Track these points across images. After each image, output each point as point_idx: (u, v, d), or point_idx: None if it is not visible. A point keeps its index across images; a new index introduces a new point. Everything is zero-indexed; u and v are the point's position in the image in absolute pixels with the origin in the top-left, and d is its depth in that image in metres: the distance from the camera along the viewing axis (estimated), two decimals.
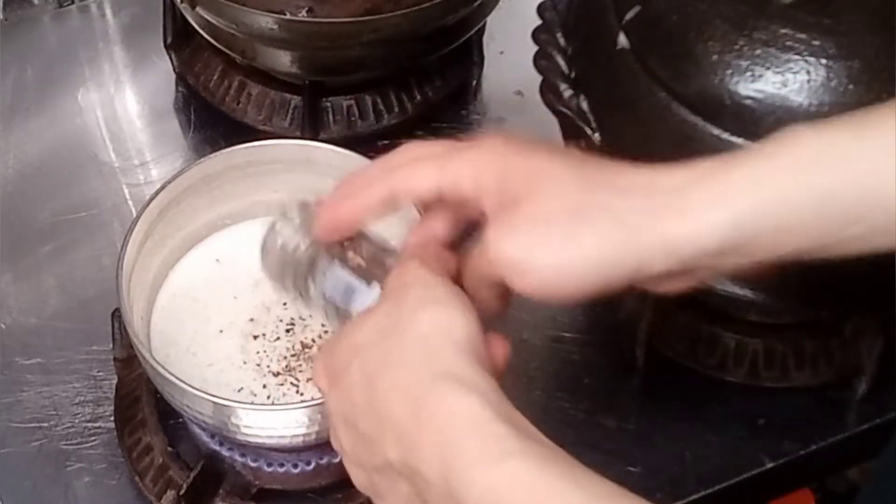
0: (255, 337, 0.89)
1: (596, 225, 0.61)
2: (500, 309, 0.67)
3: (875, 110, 0.61)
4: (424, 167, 0.67)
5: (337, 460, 0.88)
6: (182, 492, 0.86)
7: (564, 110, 0.87)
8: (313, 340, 0.89)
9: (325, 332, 0.89)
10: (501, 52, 1.16)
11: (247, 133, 1.07)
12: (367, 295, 0.70)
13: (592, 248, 0.62)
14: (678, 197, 0.61)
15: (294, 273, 0.72)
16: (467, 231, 0.70)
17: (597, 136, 0.88)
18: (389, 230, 0.91)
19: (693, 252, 0.61)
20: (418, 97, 1.11)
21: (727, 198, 0.61)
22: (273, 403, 0.85)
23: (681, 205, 0.61)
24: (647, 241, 0.61)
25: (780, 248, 0.63)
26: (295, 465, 0.88)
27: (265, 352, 0.88)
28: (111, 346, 0.93)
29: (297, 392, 0.86)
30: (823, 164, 0.60)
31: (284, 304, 0.90)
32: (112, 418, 0.93)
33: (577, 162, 0.65)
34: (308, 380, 0.87)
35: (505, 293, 0.67)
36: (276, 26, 1.01)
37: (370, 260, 0.71)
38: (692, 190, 0.61)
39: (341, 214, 0.70)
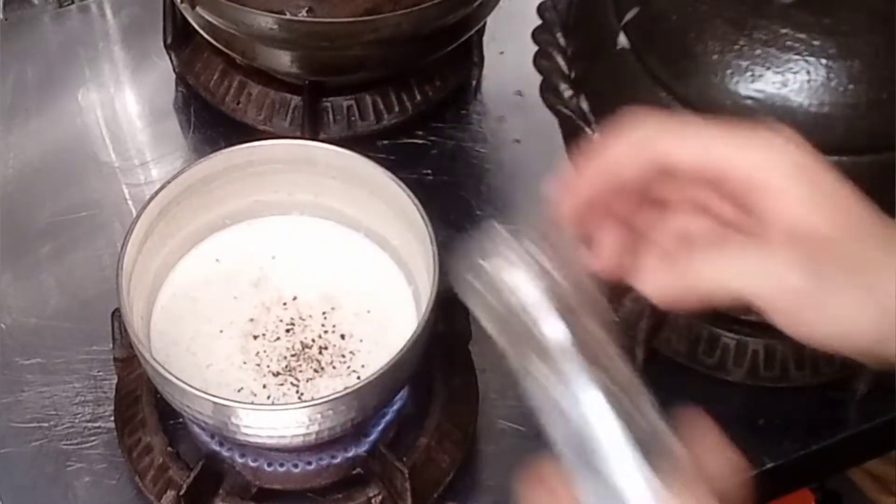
0: (255, 337, 0.89)
1: (833, 298, 0.56)
2: None
3: None
4: (701, 137, 0.58)
5: (337, 460, 0.88)
6: (182, 492, 0.86)
7: (564, 110, 0.87)
8: (313, 340, 0.89)
9: (325, 331, 0.89)
10: (501, 52, 1.16)
11: (247, 133, 1.07)
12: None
13: (823, 322, 0.56)
14: None
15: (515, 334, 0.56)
16: None
17: (597, 136, 0.88)
18: (387, 224, 0.91)
19: None
20: (418, 97, 1.11)
21: None
22: (273, 403, 0.85)
23: None
24: (870, 338, 0.56)
25: None
26: (295, 465, 0.88)
27: (265, 352, 0.88)
28: (111, 346, 0.93)
29: (297, 392, 0.86)
30: None
31: (284, 303, 0.90)
32: (112, 418, 0.93)
33: (835, 200, 0.57)
34: (308, 380, 0.87)
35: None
36: (276, 26, 1.01)
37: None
38: None
39: (590, 181, 0.61)
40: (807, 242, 0.55)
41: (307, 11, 1.01)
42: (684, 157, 0.58)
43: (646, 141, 0.59)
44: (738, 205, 0.58)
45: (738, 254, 0.57)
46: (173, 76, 1.15)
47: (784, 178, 0.56)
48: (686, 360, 0.96)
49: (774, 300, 0.56)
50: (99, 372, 0.96)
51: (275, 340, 0.89)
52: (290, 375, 0.87)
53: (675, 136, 0.58)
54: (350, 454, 0.88)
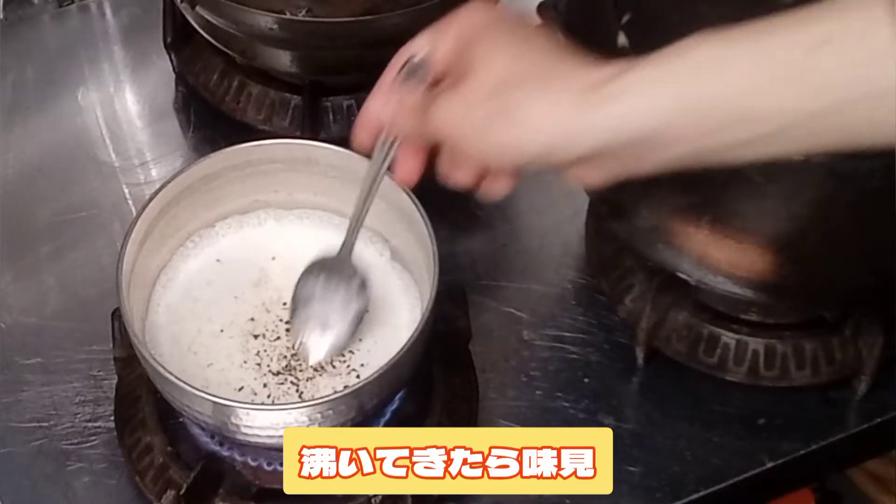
0: (256, 336, 0.89)
1: (518, 108, 0.68)
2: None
3: (776, 22, 0.64)
4: (417, 38, 0.74)
5: None
6: (182, 492, 0.86)
7: None
8: None
9: None
10: None
11: (247, 133, 1.07)
12: None
13: (510, 129, 0.69)
14: (601, 92, 0.66)
15: None
16: None
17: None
18: (387, 224, 0.92)
19: (602, 139, 0.67)
20: None
21: (642, 95, 0.66)
22: (273, 403, 0.85)
23: (609, 95, 0.66)
24: (565, 125, 0.67)
25: (675, 148, 0.66)
26: None
27: (265, 351, 0.88)
28: (111, 346, 0.93)
29: (297, 391, 0.86)
30: (708, 73, 0.64)
31: (284, 303, 0.90)
32: (112, 418, 0.93)
33: (518, 42, 0.71)
34: (308, 379, 0.87)
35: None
36: (276, 26, 1.01)
37: None
38: (617, 85, 0.66)
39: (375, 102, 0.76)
40: (494, 79, 0.69)
41: (307, 11, 1.01)
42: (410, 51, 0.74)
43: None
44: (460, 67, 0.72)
45: (441, 100, 0.71)
46: (173, 76, 1.15)
47: (482, 32, 0.71)
48: (686, 360, 0.96)
49: (458, 128, 0.71)
50: (99, 372, 0.96)
51: (275, 340, 0.89)
52: (291, 375, 0.87)
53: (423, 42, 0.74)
54: None
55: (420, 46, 0.74)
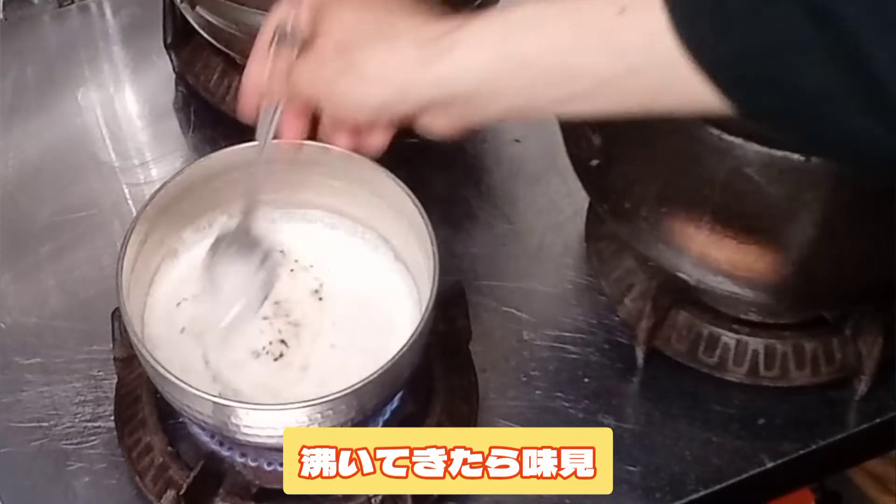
0: (256, 336, 0.89)
1: (360, 63, 0.73)
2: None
3: None
4: (282, 4, 0.78)
5: None
6: (182, 492, 0.86)
7: None
8: (314, 340, 0.89)
9: (326, 330, 0.89)
10: None
11: (247, 133, 1.06)
12: None
13: (353, 83, 0.74)
14: (435, 46, 0.71)
15: None
16: None
17: (597, 136, 0.88)
18: (387, 224, 0.92)
19: (435, 91, 0.72)
20: None
21: (469, 50, 0.70)
22: (273, 403, 0.85)
23: (441, 49, 0.70)
24: (402, 78, 0.72)
25: (504, 102, 0.71)
26: None
27: (266, 350, 0.88)
28: (111, 346, 0.93)
29: (301, 384, 0.86)
30: (526, 31, 0.68)
31: (277, 302, 0.90)
32: (112, 418, 0.93)
33: (364, 2, 0.76)
34: (312, 382, 0.87)
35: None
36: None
37: None
38: (448, 40, 0.70)
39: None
40: (341, 38, 0.75)
41: None
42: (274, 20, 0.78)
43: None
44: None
45: (297, 63, 0.77)
46: (173, 76, 1.15)
47: (324, 4, 0.76)
48: (686, 360, 0.96)
49: (312, 87, 0.76)
50: (99, 372, 0.96)
51: (276, 340, 0.89)
52: (292, 372, 0.87)
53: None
54: None
55: (285, 13, 0.77)
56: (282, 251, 0.89)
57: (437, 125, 0.75)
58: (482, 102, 0.71)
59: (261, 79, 0.79)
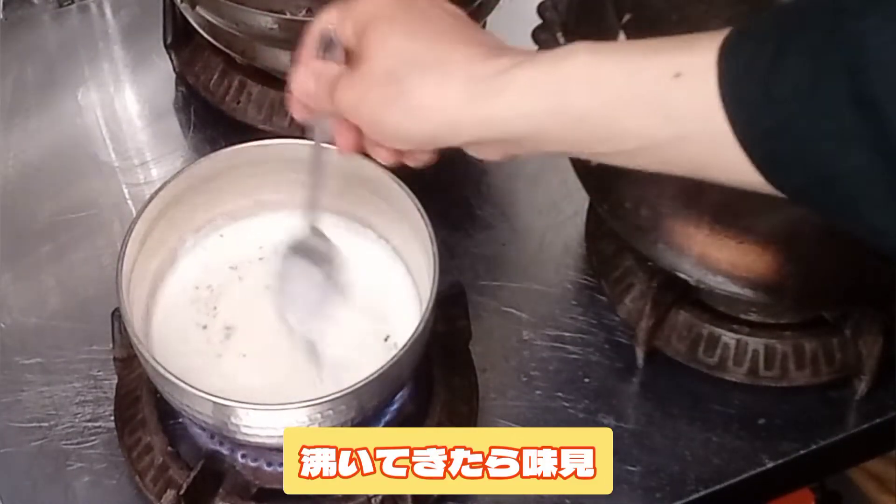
0: (256, 336, 0.89)
1: (408, 94, 0.70)
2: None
3: (646, 44, 0.66)
4: (328, 11, 0.76)
5: None
6: (182, 492, 0.86)
7: None
8: (314, 340, 0.89)
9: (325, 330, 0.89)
10: None
11: (247, 133, 1.07)
12: None
13: (400, 114, 0.70)
14: (487, 86, 0.68)
15: None
16: None
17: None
18: (387, 224, 0.91)
19: (483, 131, 0.69)
20: None
21: (521, 96, 0.67)
22: (273, 403, 0.85)
23: (493, 90, 0.68)
24: (449, 115, 0.69)
25: (553, 147, 0.70)
26: None
27: (266, 351, 0.88)
28: (111, 346, 0.93)
29: (301, 385, 0.86)
30: (578, 85, 0.66)
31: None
32: (112, 418, 0.93)
33: (415, 26, 0.72)
34: (312, 379, 0.87)
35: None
36: (275, 26, 1.01)
37: None
38: (500, 82, 0.68)
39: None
40: (388, 62, 0.71)
41: (307, 11, 1.01)
42: (318, 29, 0.76)
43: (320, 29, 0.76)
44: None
45: (341, 83, 0.74)
46: (173, 76, 1.15)
47: (378, 17, 0.73)
48: (686, 360, 0.96)
49: (356, 111, 0.73)
50: (99, 372, 0.96)
51: (276, 340, 0.88)
52: (293, 371, 0.87)
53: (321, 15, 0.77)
54: None
55: (329, 21, 0.75)
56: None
57: (484, 154, 0.73)
58: (530, 145, 0.69)
59: (308, 87, 0.76)
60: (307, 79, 0.76)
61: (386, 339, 0.88)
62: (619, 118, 0.65)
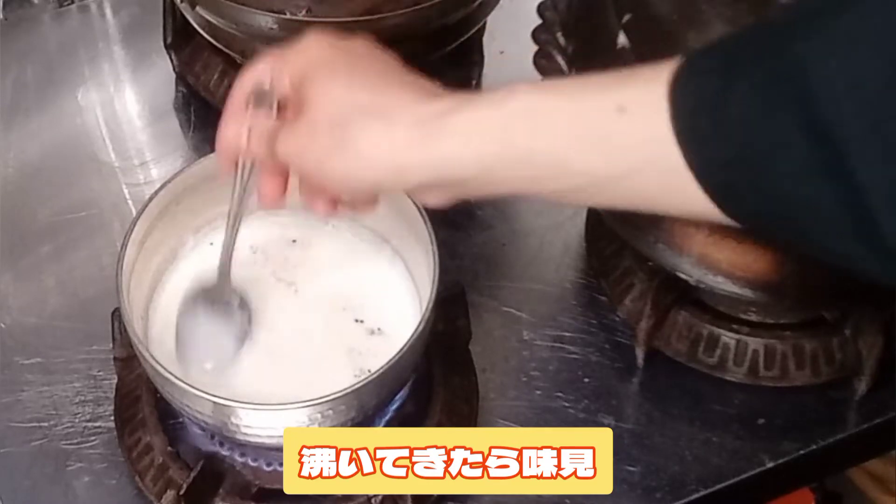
0: (256, 336, 0.89)
1: (354, 141, 0.70)
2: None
3: (590, 80, 0.66)
4: (260, 63, 0.75)
5: None
6: (182, 492, 0.86)
7: None
8: (314, 339, 0.89)
9: (325, 330, 0.89)
10: (501, 52, 1.16)
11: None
12: None
13: (347, 162, 0.70)
14: (431, 129, 0.68)
15: None
16: None
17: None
18: (387, 224, 0.92)
19: (428, 176, 0.69)
20: None
21: (467, 137, 0.67)
22: (273, 403, 0.85)
23: (437, 132, 0.68)
24: (394, 160, 0.69)
25: (501, 188, 0.69)
26: None
27: (266, 351, 0.88)
28: (111, 346, 0.93)
29: (301, 385, 0.86)
30: (523, 125, 0.65)
31: (285, 303, 0.90)
32: (112, 418, 0.93)
33: (355, 74, 0.72)
34: (312, 381, 0.87)
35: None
36: (275, 26, 1.01)
37: None
38: (445, 123, 0.68)
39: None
40: (330, 112, 0.71)
41: (307, 11, 1.01)
42: (249, 81, 0.76)
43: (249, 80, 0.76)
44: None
45: (284, 133, 0.73)
46: (173, 76, 1.15)
47: (317, 66, 0.73)
48: (686, 360, 0.96)
49: (300, 161, 0.73)
50: (99, 372, 0.96)
51: (275, 340, 0.89)
52: (293, 372, 0.87)
53: (251, 67, 0.76)
54: None
55: (264, 73, 0.75)
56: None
57: (431, 199, 0.73)
58: (478, 186, 0.69)
59: (238, 138, 0.75)
60: (240, 129, 0.75)
61: (386, 340, 0.88)
62: (565, 156, 0.64)
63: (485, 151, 0.67)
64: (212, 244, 0.93)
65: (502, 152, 0.66)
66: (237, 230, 0.81)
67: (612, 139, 0.63)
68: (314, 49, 0.74)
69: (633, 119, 0.62)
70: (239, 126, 0.75)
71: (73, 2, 1.20)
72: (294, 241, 0.93)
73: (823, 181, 0.55)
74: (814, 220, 0.57)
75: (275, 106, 0.74)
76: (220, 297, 0.85)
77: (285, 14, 1.01)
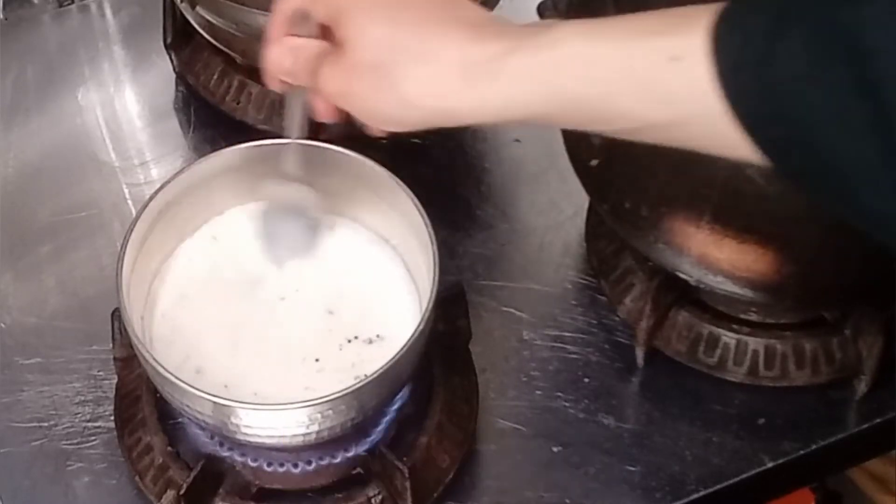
0: (256, 336, 0.89)
1: (400, 85, 0.69)
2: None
3: (641, 25, 0.65)
4: None
5: (337, 460, 0.88)
6: (182, 492, 0.86)
7: None
8: (314, 340, 0.89)
9: (326, 331, 0.89)
10: None
11: (247, 133, 1.07)
12: None
13: (392, 105, 0.70)
14: (480, 74, 0.68)
15: None
16: None
17: (596, 136, 0.88)
18: (387, 224, 0.92)
19: (479, 116, 0.70)
20: None
21: (516, 82, 0.67)
22: (273, 403, 0.85)
23: (487, 77, 0.68)
24: (444, 101, 0.69)
25: (548, 125, 0.71)
26: (295, 465, 0.88)
27: (266, 351, 0.88)
28: (111, 346, 0.93)
29: (302, 386, 0.86)
30: (573, 70, 0.65)
31: (285, 303, 0.90)
32: (112, 418, 0.93)
33: (396, 9, 0.71)
34: (310, 374, 0.87)
35: None
36: None
37: None
38: (494, 67, 0.67)
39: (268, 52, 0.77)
40: (374, 49, 0.70)
41: None
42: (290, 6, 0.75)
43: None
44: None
45: (326, 67, 0.73)
46: (173, 76, 1.15)
47: (353, 2, 0.72)
48: (686, 360, 0.96)
49: (345, 98, 0.72)
50: (99, 372, 0.96)
51: (276, 340, 0.89)
52: (293, 371, 0.87)
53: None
54: (350, 454, 0.88)
55: (299, 1, 0.74)
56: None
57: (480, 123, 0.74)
58: (527, 123, 0.70)
59: (284, 63, 0.75)
60: (283, 55, 0.75)
61: (386, 340, 0.88)
62: (616, 102, 0.65)
63: (534, 97, 0.67)
64: (214, 238, 0.93)
65: (552, 98, 0.66)
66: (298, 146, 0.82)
67: (664, 87, 0.63)
68: None
69: (683, 68, 0.61)
70: (282, 49, 0.75)
71: (73, 2, 1.20)
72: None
73: (868, 138, 0.56)
74: (857, 178, 0.58)
75: (314, 31, 0.73)
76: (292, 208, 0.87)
77: None
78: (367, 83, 0.70)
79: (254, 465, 0.88)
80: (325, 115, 0.77)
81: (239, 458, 0.89)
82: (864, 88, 0.55)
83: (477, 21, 0.70)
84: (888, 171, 0.56)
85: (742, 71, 0.59)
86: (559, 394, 0.96)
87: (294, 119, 0.80)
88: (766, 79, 0.58)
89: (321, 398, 0.80)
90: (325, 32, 0.74)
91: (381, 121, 0.72)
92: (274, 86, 0.78)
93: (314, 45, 0.74)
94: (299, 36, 0.75)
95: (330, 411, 0.80)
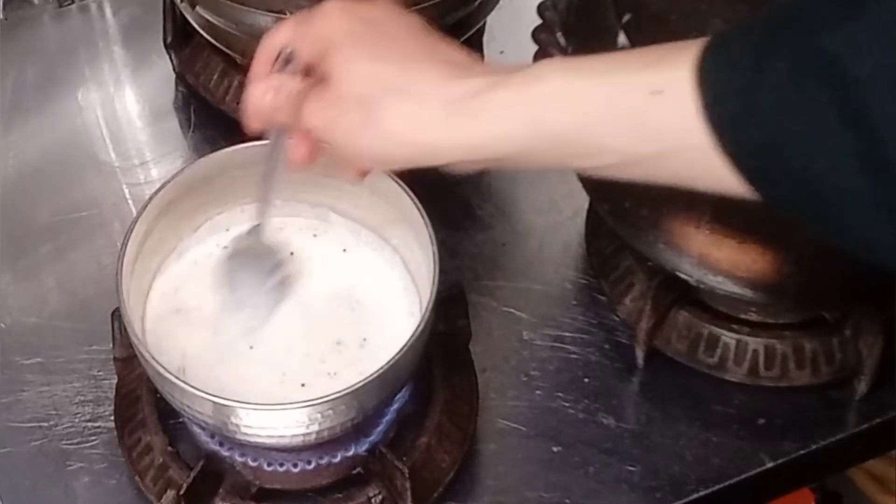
0: (256, 336, 0.89)
1: (383, 121, 0.69)
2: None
3: (621, 60, 0.66)
4: (283, 27, 0.74)
5: (337, 460, 0.88)
6: (182, 491, 0.86)
7: None
8: (314, 340, 0.89)
9: (326, 330, 0.89)
10: (501, 52, 1.16)
11: (247, 133, 1.07)
12: None
13: (376, 140, 0.70)
14: (462, 110, 0.68)
15: None
16: None
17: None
18: (387, 224, 0.92)
19: (461, 155, 0.69)
20: None
21: (500, 119, 0.67)
22: (273, 403, 0.85)
23: (469, 113, 0.67)
24: (427, 139, 0.69)
25: (532, 165, 0.71)
26: (295, 465, 0.88)
27: (266, 351, 0.88)
28: (111, 346, 0.93)
29: (301, 385, 0.86)
30: (555, 105, 0.65)
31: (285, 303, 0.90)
32: (112, 418, 0.93)
33: (379, 47, 0.71)
34: (310, 375, 0.87)
35: None
36: (275, 26, 1.00)
37: None
38: (477, 104, 0.67)
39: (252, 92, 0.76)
40: (359, 86, 0.70)
41: None
42: (274, 43, 0.75)
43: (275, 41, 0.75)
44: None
45: (311, 102, 0.72)
46: (173, 76, 1.15)
47: (340, 39, 0.71)
48: (686, 360, 0.96)
49: (329, 133, 0.72)
50: (99, 372, 0.96)
51: (276, 340, 0.88)
52: (292, 372, 0.87)
53: (274, 28, 0.75)
54: (350, 454, 0.88)
55: (286, 37, 0.74)
56: (291, 253, 0.88)
57: (462, 169, 0.72)
58: (509, 163, 0.69)
59: (266, 100, 0.74)
60: (267, 91, 0.74)
61: (386, 340, 0.88)
62: (598, 137, 0.64)
63: (516, 133, 0.67)
64: (218, 245, 0.93)
65: (534, 134, 0.66)
66: (272, 194, 0.80)
67: (646, 121, 0.63)
68: (336, 17, 0.72)
69: (666, 102, 0.62)
70: (265, 88, 0.74)
71: (73, 2, 1.20)
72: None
73: (858, 168, 0.56)
74: (846, 207, 0.58)
75: (299, 69, 0.73)
76: (258, 250, 0.83)
77: (285, 14, 1.01)
78: (352, 117, 0.70)
79: (254, 464, 0.88)
80: (300, 158, 0.76)
81: (239, 458, 0.89)
82: (850, 117, 0.55)
83: (461, 61, 0.70)
84: (874, 198, 0.56)
85: (728, 101, 0.59)
86: (559, 394, 0.96)
87: (274, 163, 0.78)
88: (751, 109, 0.58)
89: (321, 398, 0.80)
90: (308, 71, 0.73)
91: (364, 156, 0.72)
92: (253, 126, 0.77)
93: (298, 81, 0.73)
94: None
95: (330, 411, 0.80)
